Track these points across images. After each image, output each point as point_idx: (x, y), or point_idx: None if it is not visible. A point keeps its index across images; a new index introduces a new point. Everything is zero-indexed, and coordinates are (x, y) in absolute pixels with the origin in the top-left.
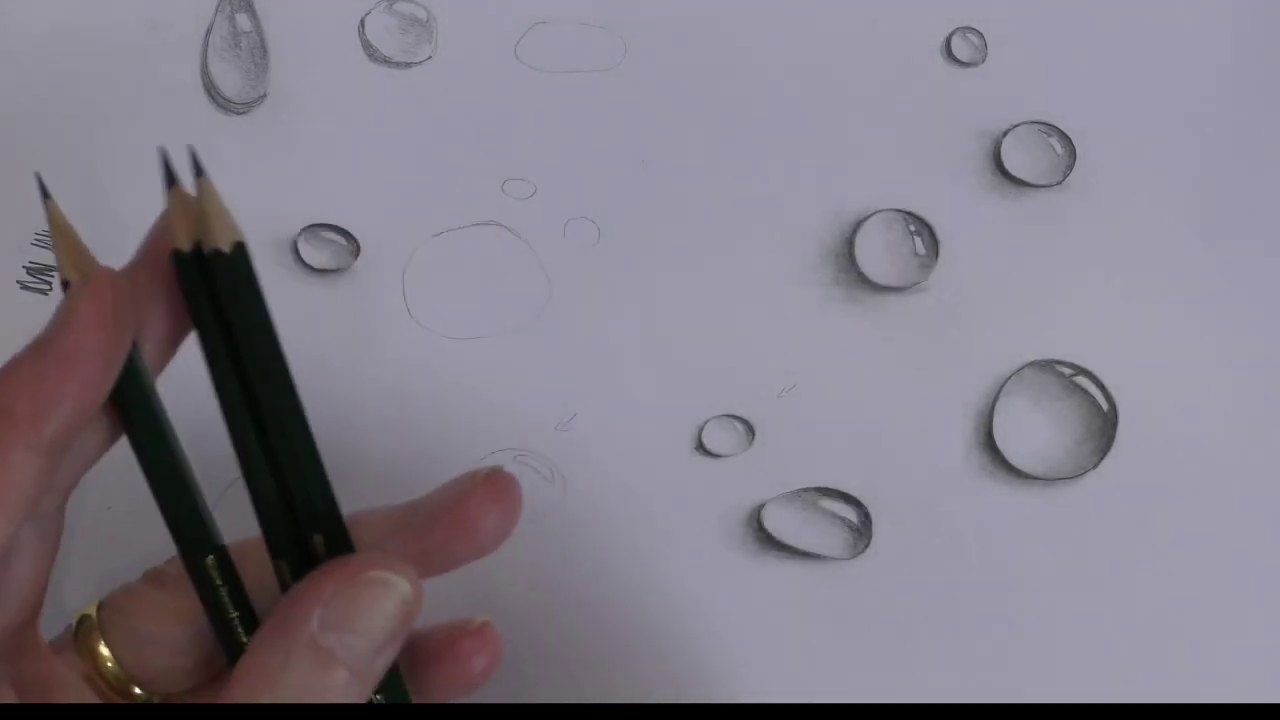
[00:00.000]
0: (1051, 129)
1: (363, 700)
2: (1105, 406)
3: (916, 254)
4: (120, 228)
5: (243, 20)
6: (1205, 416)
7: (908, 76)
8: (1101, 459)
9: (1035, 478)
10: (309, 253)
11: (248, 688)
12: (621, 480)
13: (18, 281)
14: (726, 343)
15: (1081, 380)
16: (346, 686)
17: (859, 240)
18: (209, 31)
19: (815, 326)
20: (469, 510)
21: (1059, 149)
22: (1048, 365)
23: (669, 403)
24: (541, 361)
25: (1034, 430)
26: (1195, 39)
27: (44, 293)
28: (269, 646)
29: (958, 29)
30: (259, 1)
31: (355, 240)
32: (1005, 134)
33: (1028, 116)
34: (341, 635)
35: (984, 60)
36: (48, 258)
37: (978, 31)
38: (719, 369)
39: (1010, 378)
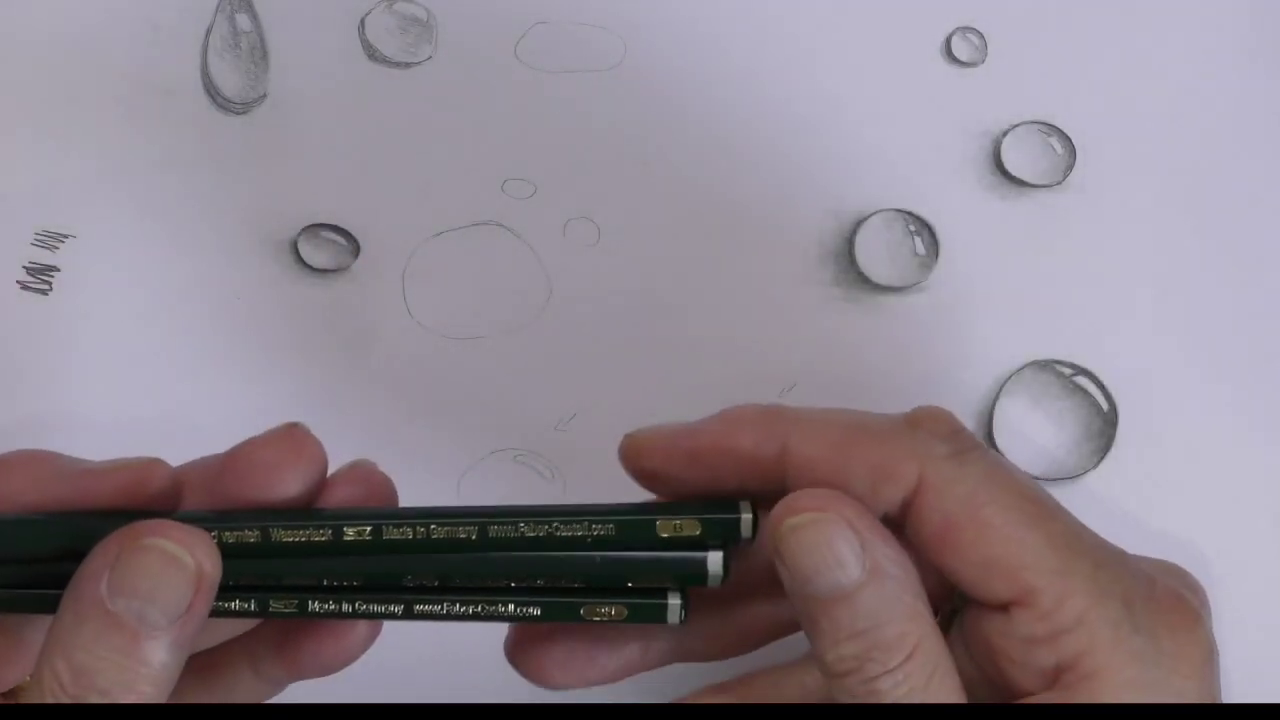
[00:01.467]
0: (1051, 129)
1: (169, 663)
2: (1105, 406)
3: (916, 254)
4: (119, 227)
5: (243, 20)
6: (1205, 416)
7: (908, 76)
8: (1101, 459)
9: (1035, 478)
10: (309, 253)
11: (48, 649)
12: (621, 480)
13: (17, 281)
14: (726, 343)
15: (1081, 380)
16: (138, 650)
17: (859, 240)
18: (209, 31)
19: (815, 326)
20: (247, 451)
21: (1059, 149)
22: (1048, 365)
23: (669, 403)
24: (541, 361)
25: (1034, 430)
26: (1195, 39)
27: (44, 293)
28: (66, 607)
29: (958, 29)
30: (259, 1)
31: (355, 240)
32: (1005, 134)
33: (1028, 116)
34: (129, 601)
35: (984, 60)
36: (48, 258)
37: (978, 31)
38: (719, 368)
39: (1010, 378)
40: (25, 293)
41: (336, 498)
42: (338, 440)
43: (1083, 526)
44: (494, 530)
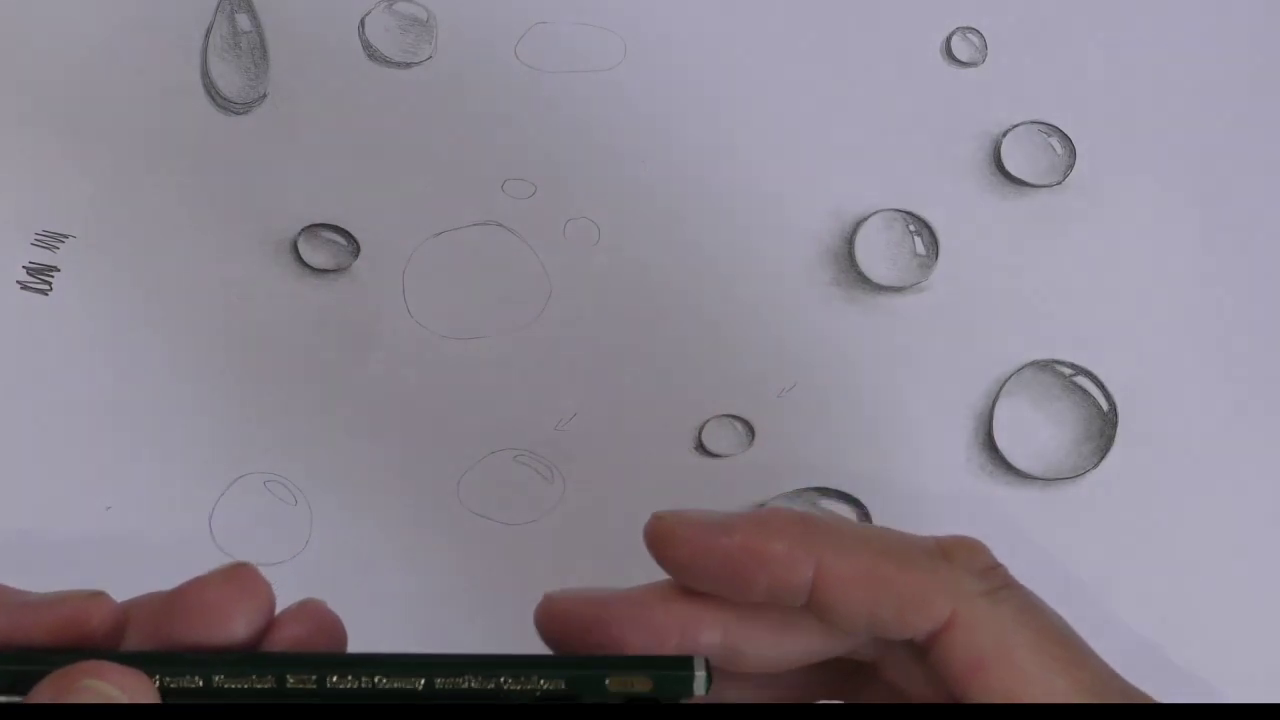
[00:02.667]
0: (1051, 129)
1: None
2: (1105, 406)
3: (916, 254)
4: (119, 227)
5: (243, 20)
6: (1205, 416)
7: (908, 76)
8: (1101, 459)
9: (1035, 478)
10: (309, 253)
11: None
12: (621, 480)
13: (17, 281)
14: (726, 343)
15: (1081, 380)
16: None
17: (859, 240)
18: (209, 31)
19: (815, 326)
20: (193, 591)
21: (1059, 149)
22: (1048, 365)
23: (669, 403)
24: (541, 361)
25: (1034, 430)
26: (1196, 39)
27: (44, 293)
28: None
29: (958, 29)
30: (259, 1)
31: (355, 240)
32: (1005, 134)
33: (1028, 116)
34: None
35: (984, 60)
36: (48, 258)
37: (978, 31)
38: (719, 369)
39: (1010, 378)
40: (25, 293)
41: (284, 637)
42: (337, 440)
43: (1111, 673)
44: (440, 683)
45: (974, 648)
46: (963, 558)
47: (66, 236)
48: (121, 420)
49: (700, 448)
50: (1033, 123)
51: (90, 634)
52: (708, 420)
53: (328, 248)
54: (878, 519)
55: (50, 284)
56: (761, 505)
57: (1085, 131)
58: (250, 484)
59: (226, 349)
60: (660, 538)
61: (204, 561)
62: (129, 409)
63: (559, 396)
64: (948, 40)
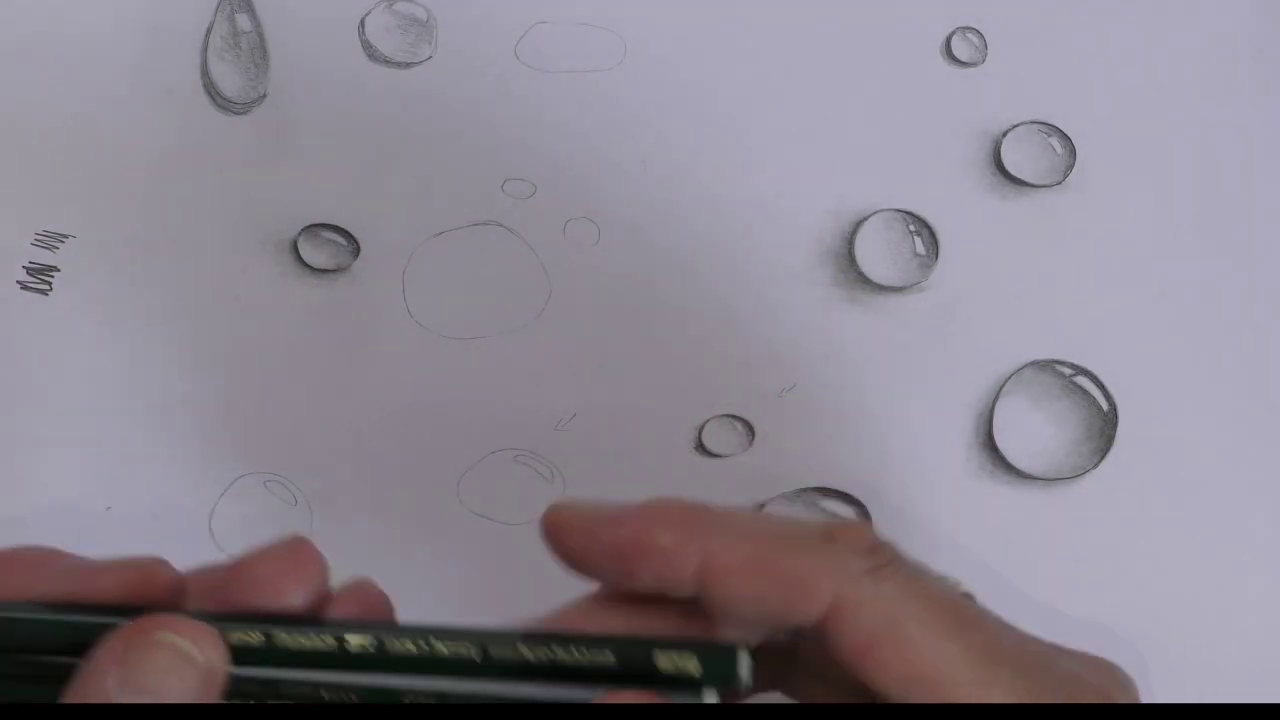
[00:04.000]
0: (1051, 129)
1: None
2: (1105, 406)
3: (916, 254)
4: (119, 227)
5: (243, 20)
6: (1205, 416)
7: (908, 76)
8: (1101, 459)
9: (1035, 478)
10: (309, 253)
11: None
12: (621, 480)
13: (18, 282)
14: (726, 343)
15: (1081, 380)
16: None
17: (859, 240)
18: (209, 31)
19: (815, 326)
20: (251, 564)
21: (1059, 149)
22: (1048, 365)
23: (669, 403)
24: (541, 361)
25: (1034, 430)
26: (1195, 39)
27: (44, 293)
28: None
29: (958, 29)
30: (259, 1)
31: (355, 240)
32: (1005, 134)
33: (1028, 116)
34: (138, 697)
35: (984, 60)
36: (48, 258)
37: (978, 31)
38: (719, 369)
39: (1010, 378)
40: (25, 293)
41: (339, 613)
42: (337, 440)
43: (1005, 630)
44: (494, 650)
45: (862, 627)
46: (846, 539)
47: (66, 236)
48: (121, 420)
49: (700, 448)
50: (1033, 123)
51: (152, 599)
52: (708, 420)
53: (328, 248)
54: (878, 519)
55: (50, 284)
56: (761, 506)
57: (1085, 131)
58: (250, 484)
59: (226, 349)
60: (553, 528)
61: (204, 562)
62: (129, 409)
63: (559, 396)
64: (948, 40)
